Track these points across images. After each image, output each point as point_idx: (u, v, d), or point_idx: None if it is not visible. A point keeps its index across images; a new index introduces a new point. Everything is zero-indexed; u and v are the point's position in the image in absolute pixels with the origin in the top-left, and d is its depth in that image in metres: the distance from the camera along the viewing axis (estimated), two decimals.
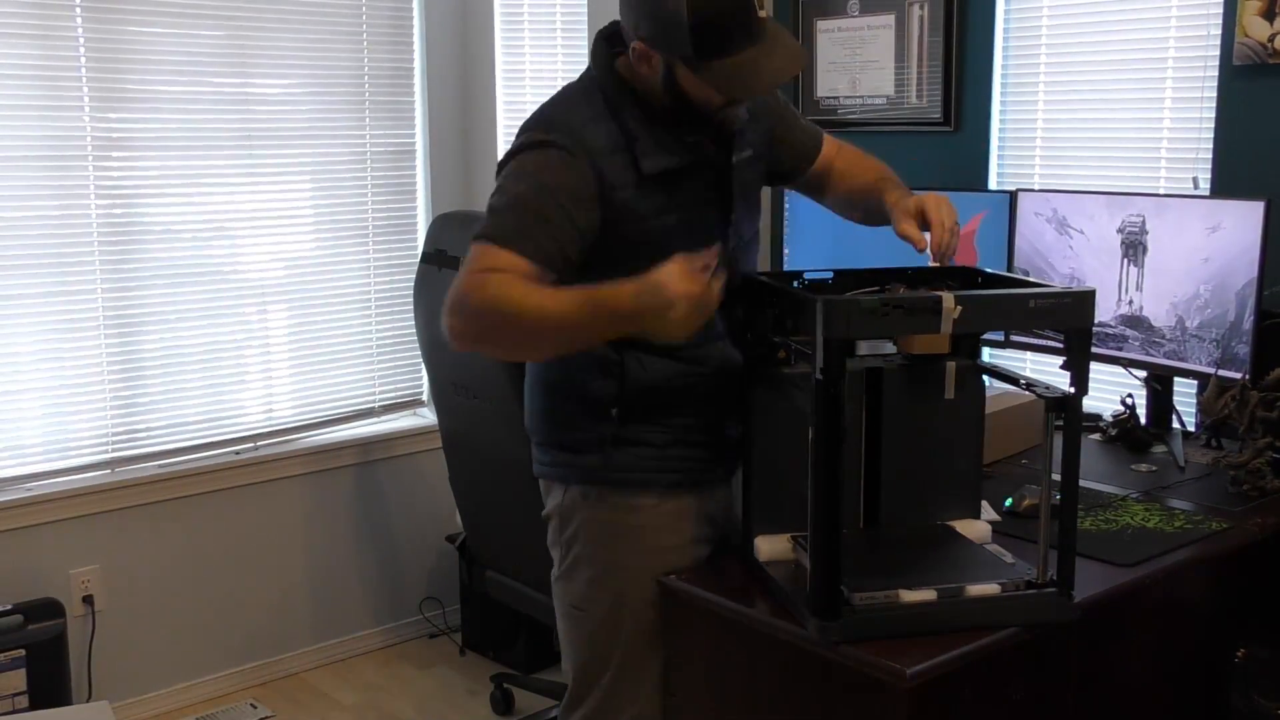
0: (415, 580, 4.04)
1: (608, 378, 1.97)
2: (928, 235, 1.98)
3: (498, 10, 3.96)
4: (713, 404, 2.03)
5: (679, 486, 2.04)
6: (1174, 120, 2.87)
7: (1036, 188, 3.04)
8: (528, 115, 1.98)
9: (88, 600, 3.37)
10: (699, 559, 2.08)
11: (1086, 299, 1.75)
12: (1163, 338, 2.65)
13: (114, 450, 3.44)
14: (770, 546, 1.97)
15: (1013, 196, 2.92)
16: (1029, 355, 3.10)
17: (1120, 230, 2.71)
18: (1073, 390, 1.74)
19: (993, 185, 3.21)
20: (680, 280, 1.72)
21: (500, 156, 1.97)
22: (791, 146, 2.20)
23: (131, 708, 3.47)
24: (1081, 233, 2.79)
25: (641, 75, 1.91)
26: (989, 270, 2.01)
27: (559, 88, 2.04)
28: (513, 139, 1.96)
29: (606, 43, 1.99)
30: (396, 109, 3.90)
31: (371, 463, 3.91)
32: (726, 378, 2.02)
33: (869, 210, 2.15)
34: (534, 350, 1.99)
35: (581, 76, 2.02)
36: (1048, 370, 2.93)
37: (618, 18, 1.94)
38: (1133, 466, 2.54)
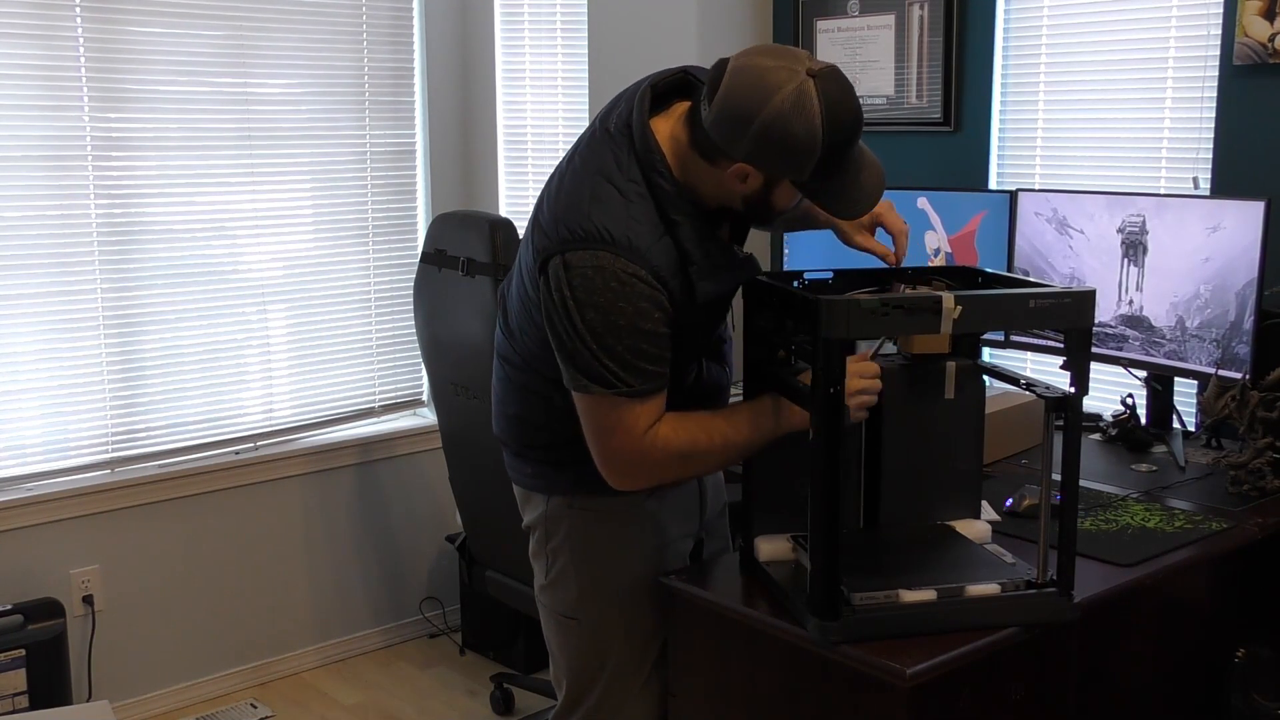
0: (415, 580, 4.04)
1: None
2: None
3: (498, 10, 3.96)
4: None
5: (660, 486, 2.04)
6: (1174, 120, 2.87)
7: (1036, 188, 3.04)
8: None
9: (88, 600, 3.37)
10: (682, 555, 2.11)
11: (1086, 299, 1.75)
12: (1163, 338, 2.65)
13: (114, 450, 3.44)
14: (770, 546, 1.97)
15: (1013, 196, 2.92)
16: (1029, 355, 3.10)
17: (1120, 230, 2.71)
18: (1073, 390, 1.74)
19: (993, 185, 3.21)
20: (857, 383, 1.81)
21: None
22: None
23: (131, 708, 3.47)
24: (1081, 233, 2.79)
25: (725, 186, 1.82)
26: (989, 270, 2.02)
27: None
28: (556, 233, 1.82)
29: (650, 106, 1.85)
30: (396, 109, 3.89)
31: (371, 463, 3.91)
32: (713, 389, 2.03)
33: (791, 220, 2.11)
34: (709, 471, 2.06)
35: (624, 168, 1.84)
36: (1048, 370, 2.93)
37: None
38: (1133, 466, 2.54)
